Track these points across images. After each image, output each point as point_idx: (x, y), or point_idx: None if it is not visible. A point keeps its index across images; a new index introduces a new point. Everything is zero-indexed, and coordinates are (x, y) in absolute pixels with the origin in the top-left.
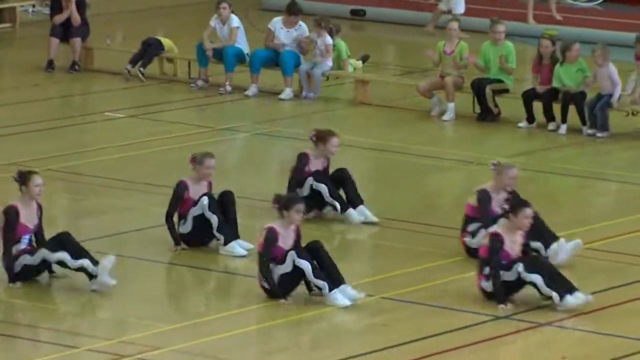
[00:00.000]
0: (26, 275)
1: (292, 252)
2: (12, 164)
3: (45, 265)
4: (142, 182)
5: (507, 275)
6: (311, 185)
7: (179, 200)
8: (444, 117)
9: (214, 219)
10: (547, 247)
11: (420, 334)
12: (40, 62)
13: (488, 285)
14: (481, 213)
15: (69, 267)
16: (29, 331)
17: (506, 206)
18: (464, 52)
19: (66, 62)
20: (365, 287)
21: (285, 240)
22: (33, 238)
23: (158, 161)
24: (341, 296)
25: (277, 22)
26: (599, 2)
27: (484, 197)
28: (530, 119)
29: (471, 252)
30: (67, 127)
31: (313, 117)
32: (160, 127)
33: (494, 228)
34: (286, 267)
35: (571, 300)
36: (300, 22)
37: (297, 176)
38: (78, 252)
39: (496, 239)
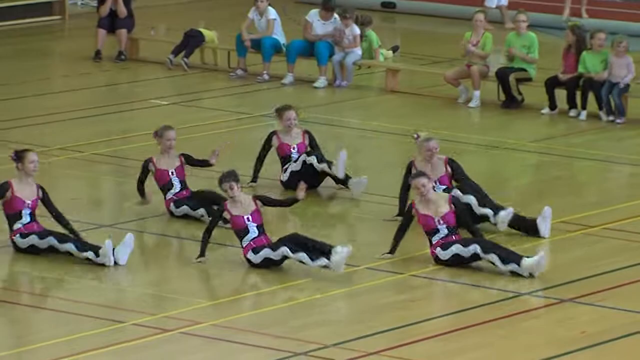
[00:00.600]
0: (33, 252)
1: (285, 248)
2: (62, 148)
3: (53, 249)
4: None
5: (464, 252)
6: (303, 161)
7: (147, 174)
8: (470, 104)
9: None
10: (495, 213)
11: (446, 309)
12: (88, 52)
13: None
14: (403, 179)
15: (75, 257)
16: (75, 306)
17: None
18: (489, 43)
19: (113, 52)
20: (395, 266)
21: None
22: (35, 215)
23: (198, 146)
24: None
25: (313, 15)
26: None
27: (408, 167)
28: (553, 105)
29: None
30: (114, 114)
31: (345, 104)
32: (201, 114)
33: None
34: (276, 255)
35: (528, 261)
36: (335, 15)
37: (262, 154)
38: (83, 244)
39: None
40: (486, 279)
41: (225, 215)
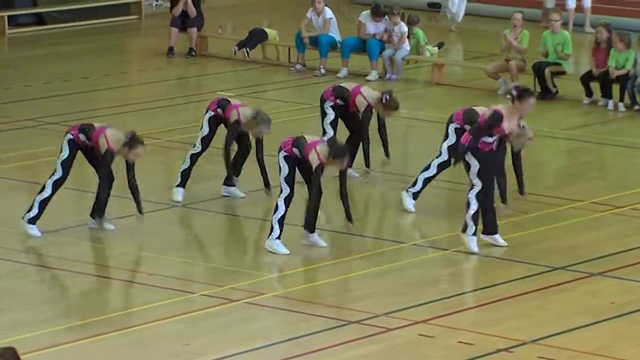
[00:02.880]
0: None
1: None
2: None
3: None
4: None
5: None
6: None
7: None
8: (508, 96)
9: None
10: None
11: (486, 283)
12: (162, 48)
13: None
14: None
15: None
16: (147, 278)
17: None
18: (526, 40)
19: (184, 48)
20: (440, 242)
21: None
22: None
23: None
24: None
25: (366, 16)
26: None
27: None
28: (589, 93)
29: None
30: (185, 104)
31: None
32: (264, 105)
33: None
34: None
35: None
36: (386, 17)
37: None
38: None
39: (496, 114)
40: (521, 254)
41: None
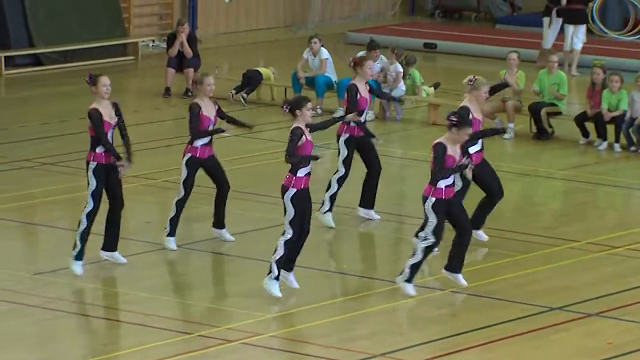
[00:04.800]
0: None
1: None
2: (135, 176)
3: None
4: (242, 191)
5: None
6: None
7: (198, 117)
8: (505, 136)
9: None
10: None
11: (483, 323)
12: (158, 89)
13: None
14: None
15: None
16: (144, 318)
17: (454, 118)
18: (522, 80)
19: (181, 89)
20: (436, 282)
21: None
22: (112, 134)
23: (257, 173)
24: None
25: None
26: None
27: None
28: (585, 134)
29: None
30: (181, 145)
31: (392, 135)
32: (260, 145)
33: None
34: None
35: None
36: (381, 56)
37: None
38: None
39: (440, 146)
40: (517, 294)
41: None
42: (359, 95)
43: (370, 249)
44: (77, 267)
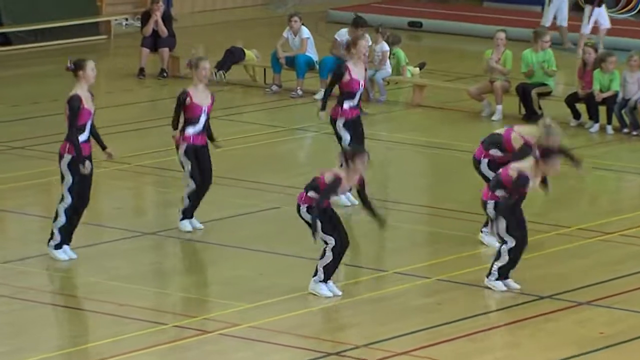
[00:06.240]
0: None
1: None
2: (106, 160)
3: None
4: (222, 176)
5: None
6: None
7: (182, 106)
8: (493, 118)
9: None
10: None
11: (471, 312)
12: (132, 69)
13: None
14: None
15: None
16: (118, 309)
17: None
18: (509, 60)
19: (155, 69)
20: (422, 270)
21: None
22: (91, 122)
23: (238, 157)
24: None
25: (343, 34)
26: (632, 13)
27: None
28: (577, 115)
29: None
30: (156, 128)
31: (375, 117)
32: (240, 127)
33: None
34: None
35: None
36: (366, 34)
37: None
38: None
39: (524, 178)
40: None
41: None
42: (349, 77)
43: (354, 236)
44: (61, 254)
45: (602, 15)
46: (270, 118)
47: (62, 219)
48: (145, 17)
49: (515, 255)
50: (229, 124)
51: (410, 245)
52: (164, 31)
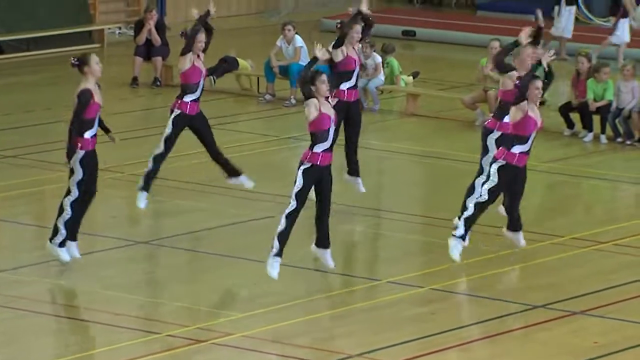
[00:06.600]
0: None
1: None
2: (102, 169)
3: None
4: (215, 185)
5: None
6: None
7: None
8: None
9: None
10: None
11: (464, 322)
12: (125, 78)
13: None
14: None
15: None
16: (111, 318)
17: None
18: None
19: (149, 78)
20: (416, 279)
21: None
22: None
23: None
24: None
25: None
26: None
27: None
28: (570, 125)
29: None
30: (150, 136)
31: (369, 126)
32: (233, 136)
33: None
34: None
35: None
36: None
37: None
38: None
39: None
40: (499, 292)
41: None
42: (343, 55)
43: (347, 245)
44: (64, 254)
45: (624, 28)
46: (263, 127)
47: (67, 212)
48: (139, 26)
49: (477, 210)
50: (223, 132)
51: (404, 255)
52: (157, 40)
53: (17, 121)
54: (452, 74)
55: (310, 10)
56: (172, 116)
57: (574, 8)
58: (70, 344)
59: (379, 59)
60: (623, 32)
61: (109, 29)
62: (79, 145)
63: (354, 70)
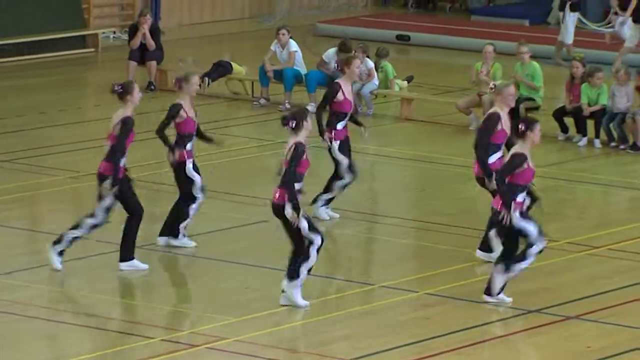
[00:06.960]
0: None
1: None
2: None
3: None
4: (210, 190)
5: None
6: None
7: (173, 120)
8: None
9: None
10: None
11: (459, 326)
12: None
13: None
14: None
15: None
16: (105, 322)
17: (522, 126)
18: (498, 73)
19: (143, 82)
20: (410, 284)
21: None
22: None
23: (225, 171)
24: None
25: (331, 55)
26: None
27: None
28: (564, 129)
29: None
30: (145, 141)
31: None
32: (228, 141)
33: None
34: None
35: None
36: (358, 53)
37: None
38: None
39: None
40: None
41: None
42: (343, 97)
43: (341, 249)
44: (140, 265)
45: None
46: (258, 131)
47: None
48: (133, 30)
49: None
50: (217, 137)
51: (398, 259)
52: (151, 44)
53: (11, 125)
54: (446, 78)
55: (305, 14)
56: (190, 166)
57: (577, 15)
58: (63, 348)
59: (371, 64)
60: (633, 35)
61: (103, 33)
62: (110, 170)
63: (349, 112)
